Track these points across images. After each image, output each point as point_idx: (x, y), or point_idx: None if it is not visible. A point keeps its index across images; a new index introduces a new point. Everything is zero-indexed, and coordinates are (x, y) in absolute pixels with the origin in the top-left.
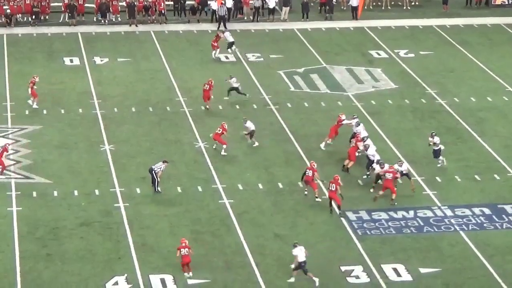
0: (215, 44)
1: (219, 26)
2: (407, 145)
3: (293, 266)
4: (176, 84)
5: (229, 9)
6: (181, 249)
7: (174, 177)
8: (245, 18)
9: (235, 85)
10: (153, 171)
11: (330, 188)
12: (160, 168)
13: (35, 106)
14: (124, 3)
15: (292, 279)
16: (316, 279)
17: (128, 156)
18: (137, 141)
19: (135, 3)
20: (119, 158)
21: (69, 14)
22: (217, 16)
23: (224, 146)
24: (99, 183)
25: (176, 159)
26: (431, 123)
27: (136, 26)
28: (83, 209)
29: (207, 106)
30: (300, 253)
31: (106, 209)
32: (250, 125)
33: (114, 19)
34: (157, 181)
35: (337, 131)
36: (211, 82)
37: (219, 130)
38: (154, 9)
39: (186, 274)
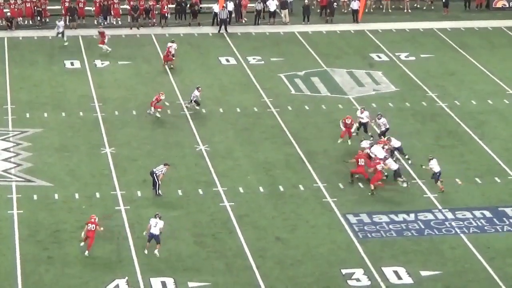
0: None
1: (220, 30)
2: (408, 148)
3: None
4: (176, 87)
5: (230, 12)
6: (88, 224)
7: (175, 180)
8: (243, 21)
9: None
10: (154, 174)
11: (359, 164)
12: (162, 171)
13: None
14: (126, 6)
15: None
16: None
17: (129, 159)
18: (138, 144)
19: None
20: (120, 161)
21: (70, 17)
22: (218, 19)
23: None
24: (100, 186)
25: (177, 162)
26: (431, 126)
27: (138, 29)
28: (84, 212)
29: (172, 66)
30: None
31: (107, 212)
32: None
33: (115, 22)
34: (158, 184)
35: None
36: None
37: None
38: (155, 12)
39: (82, 244)
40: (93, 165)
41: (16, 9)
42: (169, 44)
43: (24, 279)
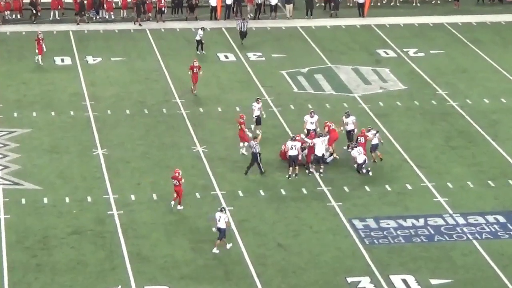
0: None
1: (242, 41)
2: (416, 149)
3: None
4: (173, 85)
5: (228, 6)
6: (173, 180)
7: (170, 183)
8: (249, 16)
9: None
10: (258, 154)
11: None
12: (257, 143)
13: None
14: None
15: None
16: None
17: (122, 161)
18: (132, 145)
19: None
20: (112, 163)
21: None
22: (215, 13)
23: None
24: (92, 189)
25: (173, 164)
26: (442, 125)
27: (140, 25)
28: (75, 217)
29: (195, 91)
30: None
31: (99, 217)
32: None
33: (107, 17)
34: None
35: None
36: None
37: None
38: (151, 5)
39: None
40: (84, 167)
41: (3, 3)
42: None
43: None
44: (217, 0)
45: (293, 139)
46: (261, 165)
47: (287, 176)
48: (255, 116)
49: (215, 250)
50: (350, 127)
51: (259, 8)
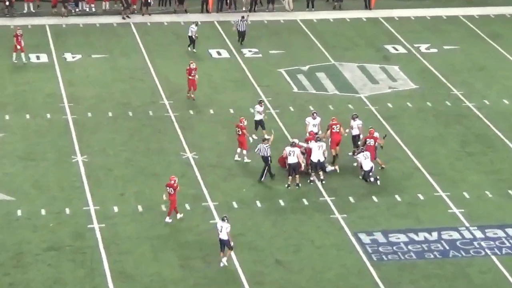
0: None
1: (240, 41)
2: (429, 155)
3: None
4: (160, 84)
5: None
6: (167, 187)
7: (157, 193)
8: (244, 8)
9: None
10: (268, 157)
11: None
12: (267, 146)
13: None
14: None
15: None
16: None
17: (104, 168)
18: (115, 151)
19: None
20: (93, 171)
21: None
22: (206, 6)
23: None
24: (70, 200)
25: (160, 172)
26: (457, 129)
27: (128, 17)
28: (52, 231)
29: (192, 95)
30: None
31: (78, 231)
32: None
33: (88, 9)
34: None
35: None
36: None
37: (239, 132)
38: None
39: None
40: (62, 175)
41: None
42: (192, 66)
43: None
44: None
45: (293, 144)
46: (264, 173)
47: (286, 186)
48: (258, 120)
49: (224, 262)
50: (355, 131)
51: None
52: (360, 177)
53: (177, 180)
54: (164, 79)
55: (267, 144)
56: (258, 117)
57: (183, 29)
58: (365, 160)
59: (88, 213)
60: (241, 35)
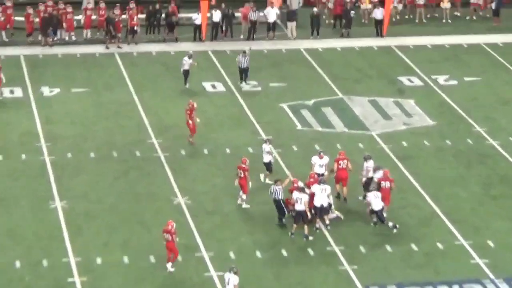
0: None
1: (242, 81)
2: (449, 199)
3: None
4: (148, 121)
5: (216, 24)
6: (164, 233)
7: (145, 243)
8: (242, 36)
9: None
10: (280, 200)
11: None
12: (280, 188)
13: None
14: (80, 17)
15: None
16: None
17: (85, 215)
18: (98, 197)
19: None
20: (74, 218)
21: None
22: (200, 33)
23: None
24: (48, 251)
25: (148, 219)
26: (479, 170)
27: (120, 47)
28: (28, 285)
29: (191, 140)
30: None
31: (57, 285)
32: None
33: (67, 38)
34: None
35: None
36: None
37: (241, 174)
38: (121, 25)
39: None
40: (39, 223)
41: None
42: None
43: None
44: (202, 17)
45: (300, 189)
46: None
47: (289, 234)
48: (267, 163)
49: None
50: (370, 174)
51: (253, 26)
52: (372, 223)
53: (174, 226)
54: (152, 116)
55: (280, 186)
56: (267, 158)
57: (173, 60)
58: (375, 199)
59: (68, 265)
60: (243, 72)
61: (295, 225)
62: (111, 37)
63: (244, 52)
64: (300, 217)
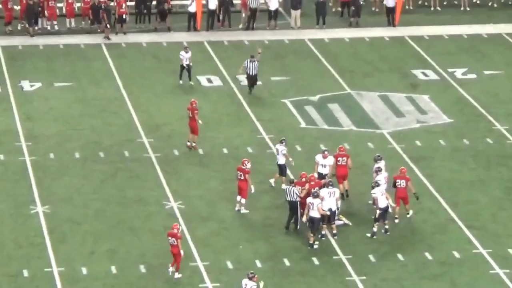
0: None
1: (250, 89)
2: (466, 204)
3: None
4: (137, 119)
5: (212, 12)
6: (169, 237)
7: (136, 251)
8: (240, 26)
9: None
10: (297, 202)
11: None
12: (297, 192)
13: None
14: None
15: None
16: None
17: (70, 221)
18: (83, 201)
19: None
20: (57, 224)
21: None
22: (193, 22)
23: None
24: (29, 260)
25: (138, 226)
26: (500, 172)
27: (109, 39)
28: None
29: (193, 144)
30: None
31: None
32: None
33: (49, 27)
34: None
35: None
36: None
37: (241, 176)
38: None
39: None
40: (19, 230)
41: None
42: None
43: None
44: (197, 4)
45: (314, 195)
46: (299, 221)
47: (308, 247)
48: (281, 164)
49: None
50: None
51: (253, 14)
52: (383, 230)
53: (180, 229)
54: (143, 113)
55: (298, 188)
56: (281, 160)
57: (165, 51)
58: (381, 196)
59: (50, 276)
60: (252, 80)
61: (312, 235)
62: (110, 26)
63: (252, 56)
64: (314, 224)
